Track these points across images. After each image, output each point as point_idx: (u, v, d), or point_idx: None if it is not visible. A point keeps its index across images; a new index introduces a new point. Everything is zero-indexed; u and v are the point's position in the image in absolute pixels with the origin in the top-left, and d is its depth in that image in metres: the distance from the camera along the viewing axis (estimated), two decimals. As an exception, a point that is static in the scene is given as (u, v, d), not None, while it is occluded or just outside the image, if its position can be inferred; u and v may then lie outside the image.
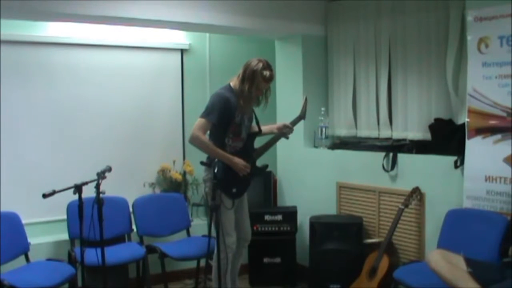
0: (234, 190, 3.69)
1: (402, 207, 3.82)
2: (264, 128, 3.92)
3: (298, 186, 4.91)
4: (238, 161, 3.64)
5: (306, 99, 3.97)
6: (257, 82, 3.56)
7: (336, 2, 4.78)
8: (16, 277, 3.44)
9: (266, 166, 3.91)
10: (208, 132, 3.67)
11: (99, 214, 3.12)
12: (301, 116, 3.93)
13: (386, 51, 4.39)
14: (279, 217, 4.56)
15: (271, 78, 3.61)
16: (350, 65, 4.69)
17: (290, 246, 4.58)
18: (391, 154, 4.15)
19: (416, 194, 3.86)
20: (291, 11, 4.64)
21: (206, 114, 3.59)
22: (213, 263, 3.64)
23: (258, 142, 3.90)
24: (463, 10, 3.73)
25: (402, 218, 3.83)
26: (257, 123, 3.88)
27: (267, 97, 3.75)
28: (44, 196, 3.00)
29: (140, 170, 4.73)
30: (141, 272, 4.26)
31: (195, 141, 3.59)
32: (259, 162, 3.88)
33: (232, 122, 3.65)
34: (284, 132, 3.87)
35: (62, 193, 3.07)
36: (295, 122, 3.91)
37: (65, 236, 4.12)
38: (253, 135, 3.84)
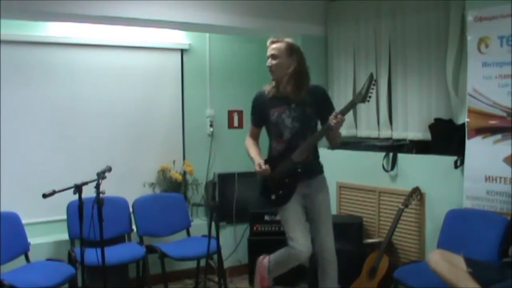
0: (273, 197, 3.34)
1: (402, 207, 3.82)
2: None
3: (298, 186, 4.90)
4: (257, 161, 3.29)
5: (371, 78, 3.11)
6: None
7: (336, 2, 4.79)
8: (16, 277, 3.44)
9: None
10: None
11: (99, 214, 3.12)
12: (354, 101, 3.16)
13: (386, 51, 4.39)
14: (279, 217, 4.55)
15: (269, 43, 3.32)
16: (350, 65, 4.69)
17: (290, 246, 4.57)
18: (391, 154, 4.16)
19: (416, 194, 3.86)
20: (291, 11, 4.65)
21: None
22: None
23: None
24: (463, 10, 3.73)
25: (402, 218, 3.83)
26: (323, 122, 3.29)
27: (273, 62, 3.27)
28: (44, 196, 3.00)
29: (140, 170, 4.73)
30: (141, 272, 4.26)
31: None
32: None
33: (269, 122, 3.34)
34: (333, 123, 3.10)
35: (62, 193, 3.07)
36: (347, 108, 3.16)
37: (65, 236, 4.11)
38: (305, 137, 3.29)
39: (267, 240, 4.56)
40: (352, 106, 3.19)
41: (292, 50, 3.30)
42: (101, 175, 3.14)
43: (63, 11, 3.66)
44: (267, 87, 3.38)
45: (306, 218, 3.37)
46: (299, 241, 3.22)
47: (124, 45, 4.65)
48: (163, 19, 4.05)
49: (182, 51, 4.98)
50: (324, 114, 3.24)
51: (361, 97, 3.11)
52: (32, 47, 4.25)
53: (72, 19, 4.02)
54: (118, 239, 4.26)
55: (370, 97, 3.11)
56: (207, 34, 5.05)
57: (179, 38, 4.95)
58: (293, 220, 3.28)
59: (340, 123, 3.12)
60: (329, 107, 3.31)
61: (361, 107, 4.60)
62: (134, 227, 4.39)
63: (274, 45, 3.29)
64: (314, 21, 4.82)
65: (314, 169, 3.39)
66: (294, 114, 3.28)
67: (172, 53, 4.92)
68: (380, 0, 4.39)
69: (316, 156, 3.43)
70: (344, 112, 3.13)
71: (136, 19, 3.98)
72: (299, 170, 3.26)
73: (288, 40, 3.33)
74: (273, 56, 3.28)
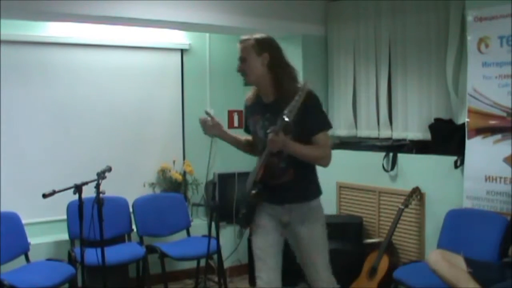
0: (239, 215, 2.92)
1: (402, 207, 3.82)
2: None
3: (298, 186, 4.90)
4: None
5: (302, 92, 2.47)
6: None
7: (336, 2, 4.78)
8: (16, 277, 3.44)
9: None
10: None
11: (99, 214, 3.11)
12: (282, 121, 2.46)
13: (386, 51, 4.39)
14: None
15: (238, 44, 2.78)
16: (350, 65, 4.69)
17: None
18: (391, 154, 4.16)
19: (416, 194, 3.86)
20: (291, 11, 4.65)
21: None
22: None
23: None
24: (463, 10, 3.73)
25: (402, 218, 3.83)
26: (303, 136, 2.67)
27: (244, 66, 2.76)
28: (44, 196, 2.99)
29: (140, 170, 4.73)
30: (141, 272, 4.26)
31: None
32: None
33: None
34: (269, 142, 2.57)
35: (62, 193, 3.06)
36: (279, 125, 2.50)
37: (65, 236, 4.11)
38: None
39: (267, 240, 4.55)
40: (280, 124, 2.48)
41: (261, 47, 2.70)
42: (101, 175, 3.13)
43: (63, 11, 3.66)
44: (249, 93, 2.94)
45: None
46: (262, 281, 2.74)
47: (124, 45, 4.65)
48: (163, 19, 4.05)
49: (182, 51, 4.97)
50: (304, 126, 2.62)
51: (288, 113, 2.44)
52: (32, 47, 4.25)
53: (72, 19, 4.02)
54: (118, 239, 4.26)
55: (296, 114, 2.44)
56: (207, 34, 5.05)
57: (179, 38, 4.94)
58: (258, 255, 2.79)
59: (272, 141, 2.52)
60: (311, 118, 2.64)
61: (361, 107, 4.60)
62: (134, 227, 4.39)
63: (240, 46, 2.75)
64: (314, 21, 4.82)
65: (296, 193, 2.75)
66: (267, 124, 2.69)
67: (172, 53, 4.92)
68: (380, 0, 4.39)
69: (301, 178, 2.78)
70: (276, 129, 2.50)
71: (136, 19, 3.98)
72: (253, 191, 2.75)
73: (257, 36, 2.74)
74: (241, 59, 2.74)
